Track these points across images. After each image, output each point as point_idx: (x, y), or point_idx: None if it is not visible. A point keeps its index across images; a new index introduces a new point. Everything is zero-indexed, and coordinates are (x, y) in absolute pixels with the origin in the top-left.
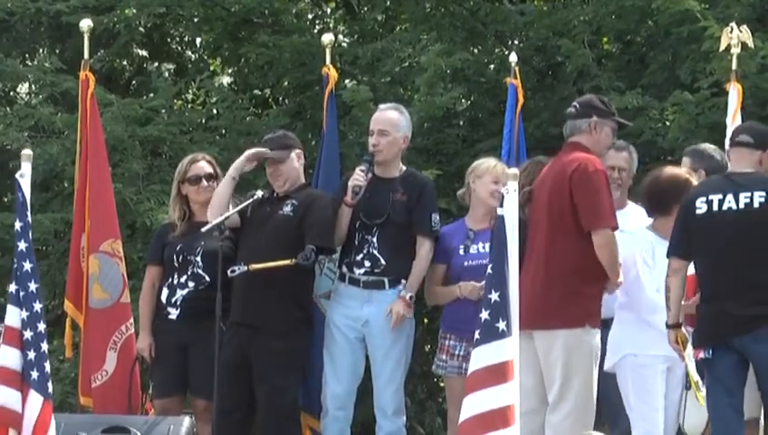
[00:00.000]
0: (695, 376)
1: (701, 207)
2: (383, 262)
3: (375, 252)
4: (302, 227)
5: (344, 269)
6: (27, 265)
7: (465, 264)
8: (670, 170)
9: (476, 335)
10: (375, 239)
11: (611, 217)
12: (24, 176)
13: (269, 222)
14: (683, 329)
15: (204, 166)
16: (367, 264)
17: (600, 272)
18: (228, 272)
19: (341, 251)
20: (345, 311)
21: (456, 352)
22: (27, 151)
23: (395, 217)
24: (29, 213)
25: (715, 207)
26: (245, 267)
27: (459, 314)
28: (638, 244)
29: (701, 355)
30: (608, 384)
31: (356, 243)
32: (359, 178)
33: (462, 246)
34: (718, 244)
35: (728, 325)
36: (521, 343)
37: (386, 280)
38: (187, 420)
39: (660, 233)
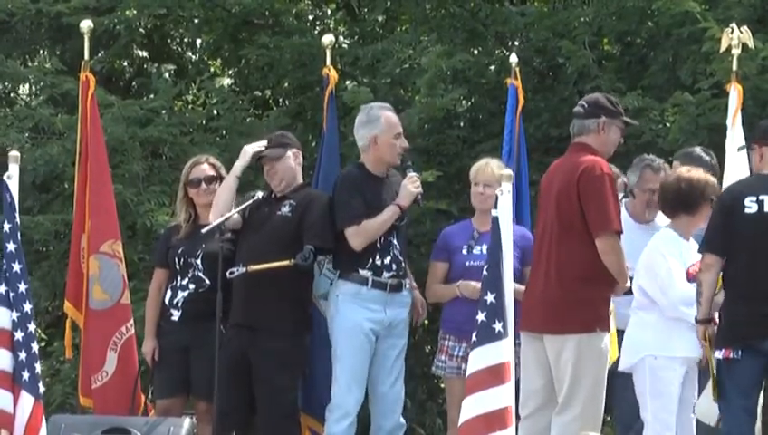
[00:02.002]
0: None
1: (750, 206)
2: (403, 263)
3: (398, 254)
4: (300, 227)
5: (365, 273)
6: (17, 267)
7: (467, 264)
8: (699, 172)
9: (473, 337)
10: (396, 241)
11: (614, 221)
12: (12, 177)
13: (267, 223)
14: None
15: (205, 168)
16: (394, 267)
17: (610, 276)
18: (227, 273)
19: (361, 254)
20: (370, 315)
21: (456, 353)
22: (14, 153)
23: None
24: (17, 214)
25: (767, 208)
26: (244, 269)
27: (458, 315)
28: (666, 242)
29: (731, 355)
30: (623, 385)
31: (379, 246)
32: (419, 184)
33: (465, 246)
34: (764, 244)
35: (764, 327)
36: (530, 344)
37: (403, 281)
38: (187, 422)
39: (681, 231)
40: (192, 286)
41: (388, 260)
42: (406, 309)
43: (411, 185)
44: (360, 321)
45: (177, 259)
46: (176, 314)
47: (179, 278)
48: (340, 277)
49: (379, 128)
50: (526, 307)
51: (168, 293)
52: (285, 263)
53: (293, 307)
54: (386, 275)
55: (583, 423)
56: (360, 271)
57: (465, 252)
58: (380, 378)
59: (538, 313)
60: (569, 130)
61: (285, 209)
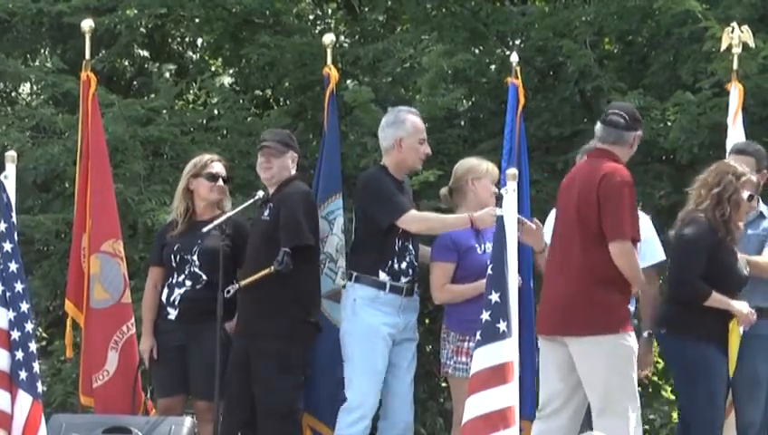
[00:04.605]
0: None
1: None
2: (417, 269)
3: (412, 259)
4: (278, 229)
5: (383, 277)
6: (13, 266)
7: (489, 262)
8: None
9: (478, 336)
10: (411, 246)
11: (630, 229)
12: (9, 177)
13: (256, 228)
14: None
15: (221, 168)
16: (410, 272)
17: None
18: (224, 292)
19: (381, 257)
20: (387, 319)
21: None
22: (11, 153)
23: None
24: (14, 214)
25: None
26: (237, 285)
27: (472, 315)
28: None
29: None
30: None
31: (396, 249)
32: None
33: (477, 246)
34: None
35: None
36: (549, 347)
37: (415, 286)
38: (188, 421)
39: None
40: (189, 283)
41: (404, 265)
42: (415, 313)
43: (494, 217)
44: (378, 325)
45: (173, 256)
46: (173, 313)
47: (176, 275)
48: (356, 281)
49: (405, 130)
50: (545, 311)
51: (165, 291)
52: (266, 272)
53: (293, 308)
54: (403, 280)
55: (628, 422)
56: (380, 273)
57: (480, 251)
58: (398, 378)
59: (559, 316)
60: (569, 130)
61: (266, 213)
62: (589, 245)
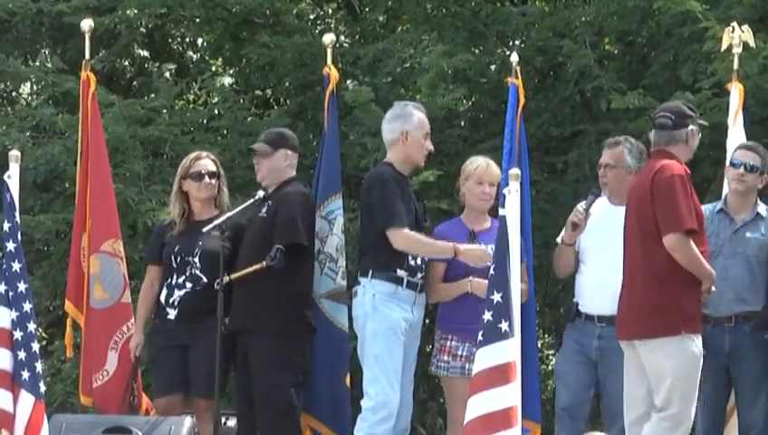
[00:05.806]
0: None
1: None
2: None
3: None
4: (274, 227)
5: (400, 272)
6: (16, 266)
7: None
8: None
9: (480, 337)
10: None
11: (683, 220)
12: (12, 177)
13: (253, 225)
14: None
15: (207, 164)
16: (423, 268)
17: (694, 276)
18: (215, 284)
19: (400, 254)
20: (404, 314)
21: (460, 353)
22: (15, 152)
23: None
24: (17, 214)
25: None
26: (228, 278)
27: (459, 316)
28: None
29: None
30: (610, 383)
31: None
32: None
33: None
34: None
35: None
36: (629, 351)
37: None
38: (188, 421)
39: None
40: (189, 285)
41: (418, 261)
42: (423, 311)
43: (483, 258)
44: (398, 320)
45: (173, 257)
46: (172, 313)
47: (175, 276)
48: (373, 277)
49: (411, 124)
50: (619, 315)
51: (164, 291)
52: (258, 266)
53: (286, 306)
54: (418, 275)
55: (675, 423)
56: (398, 271)
57: None
58: (403, 375)
59: (627, 319)
60: (569, 130)
61: (263, 210)
62: (648, 245)
